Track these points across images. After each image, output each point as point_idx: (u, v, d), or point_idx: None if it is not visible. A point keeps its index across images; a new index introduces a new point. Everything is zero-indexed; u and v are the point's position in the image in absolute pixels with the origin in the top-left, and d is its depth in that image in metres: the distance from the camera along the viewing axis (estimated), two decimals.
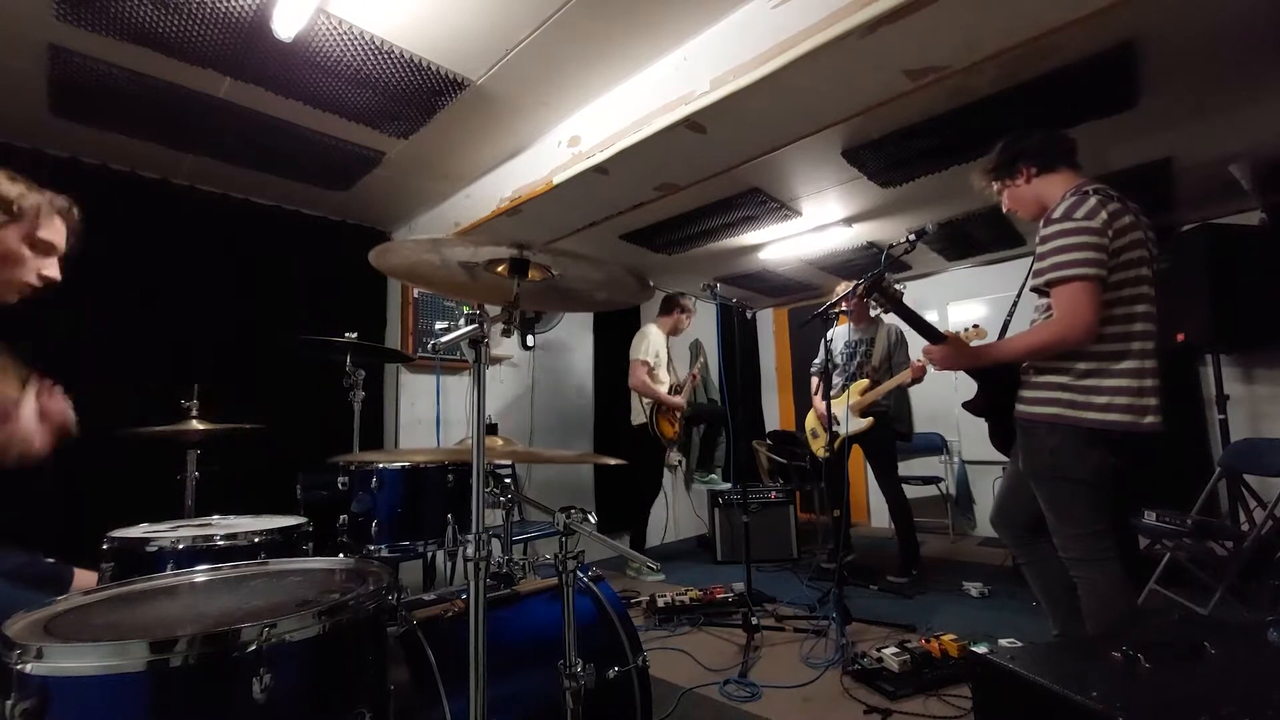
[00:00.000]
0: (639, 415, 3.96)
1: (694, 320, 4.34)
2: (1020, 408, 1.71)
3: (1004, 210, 1.89)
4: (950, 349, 1.84)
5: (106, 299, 2.65)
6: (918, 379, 3.30)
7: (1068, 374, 1.60)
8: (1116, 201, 1.59)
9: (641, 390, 3.91)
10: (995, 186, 1.86)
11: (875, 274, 2.08)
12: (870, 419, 3.43)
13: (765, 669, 2.31)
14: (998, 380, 1.82)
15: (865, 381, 3.47)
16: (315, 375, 2.93)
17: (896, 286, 2.06)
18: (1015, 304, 1.96)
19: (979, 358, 1.81)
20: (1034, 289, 1.66)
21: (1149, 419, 1.55)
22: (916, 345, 3.35)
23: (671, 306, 4.13)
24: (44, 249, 1.30)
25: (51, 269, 1.33)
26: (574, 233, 3.35)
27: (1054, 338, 1.58)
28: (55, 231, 1.32)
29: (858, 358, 3.54)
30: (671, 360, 4.18)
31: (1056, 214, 1.60)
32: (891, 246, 2.48)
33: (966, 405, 1.97)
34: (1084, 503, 1.59)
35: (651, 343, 3.97)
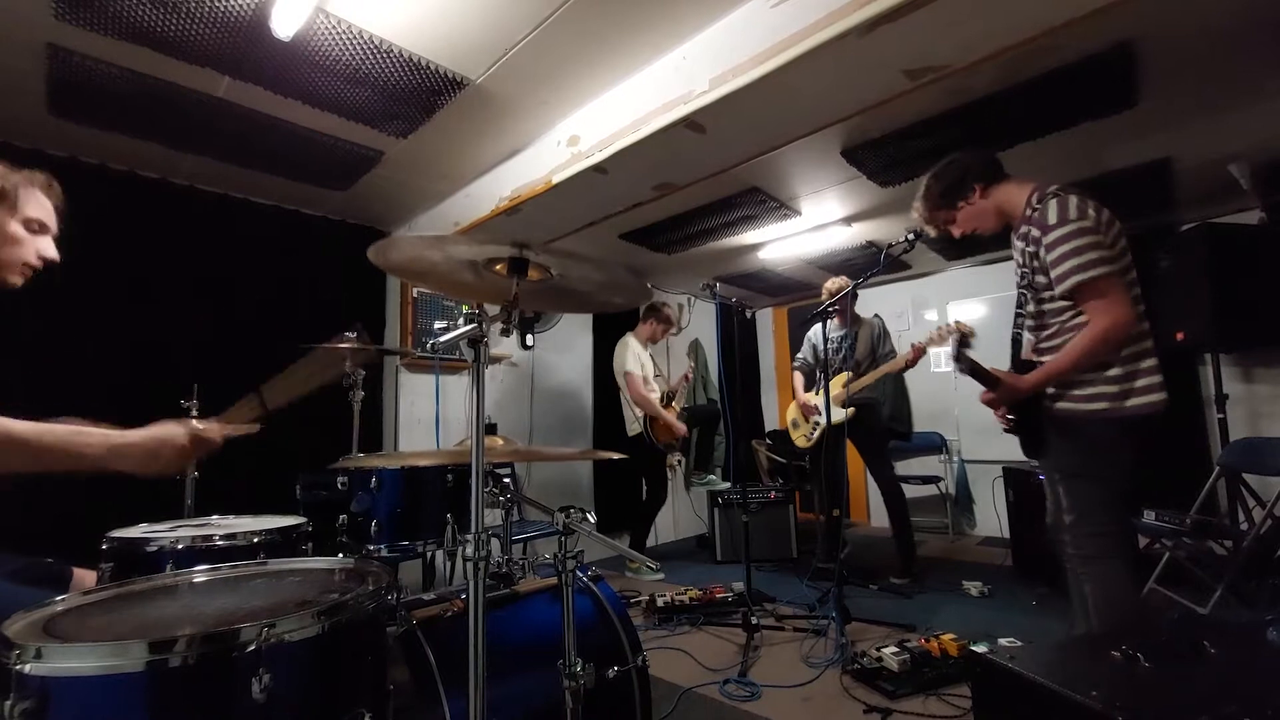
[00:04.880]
0: (633, 425, 3.94)
1: (687, 319, 4.32)
2: (1069, 406, 1.65)
3: (956, 235, 1.90)
4: (1007, 390, 1.71)
5: (106, 299, 2.64)
6: (911, 364, 3.30)
7: (1112, 366, 1.60)
8: (1093, 198, 1.64)
9: (644, 405, 3.86)
10: (945, 215, 1.87)
11: (959, 348, 1.82)
12: (851, 409, 3.44)
13: (765, 669, 2.31)
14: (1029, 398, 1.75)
15: (846, 374, 3.49)
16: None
17: (969, 353, 1.85)
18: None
19: (1036, 384, 1.68)
20: (1061, 295, 1.62)
21: (1164, 394, 1.59)
22: (903, 341, 3.40)
23: (649, 314, 4.06)
24: (36, 227, 1.30)
25: (48, 248, 1.33)
26: (573, 232, 3.35)
27: (1104, 336, 1.56)
28: (41, 208, 1.31)
29: (843, 352, 3.55)
30: (658, 366, 4.15)
31: (1052, 219, 1.59)
32: (891, 246, 2.48)
33: (1012, 429, 1.82)
34: (1108, 498, 1.60)
35: (634, 352, 3.92)
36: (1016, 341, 1.91)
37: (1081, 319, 1.62)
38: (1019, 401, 1.73)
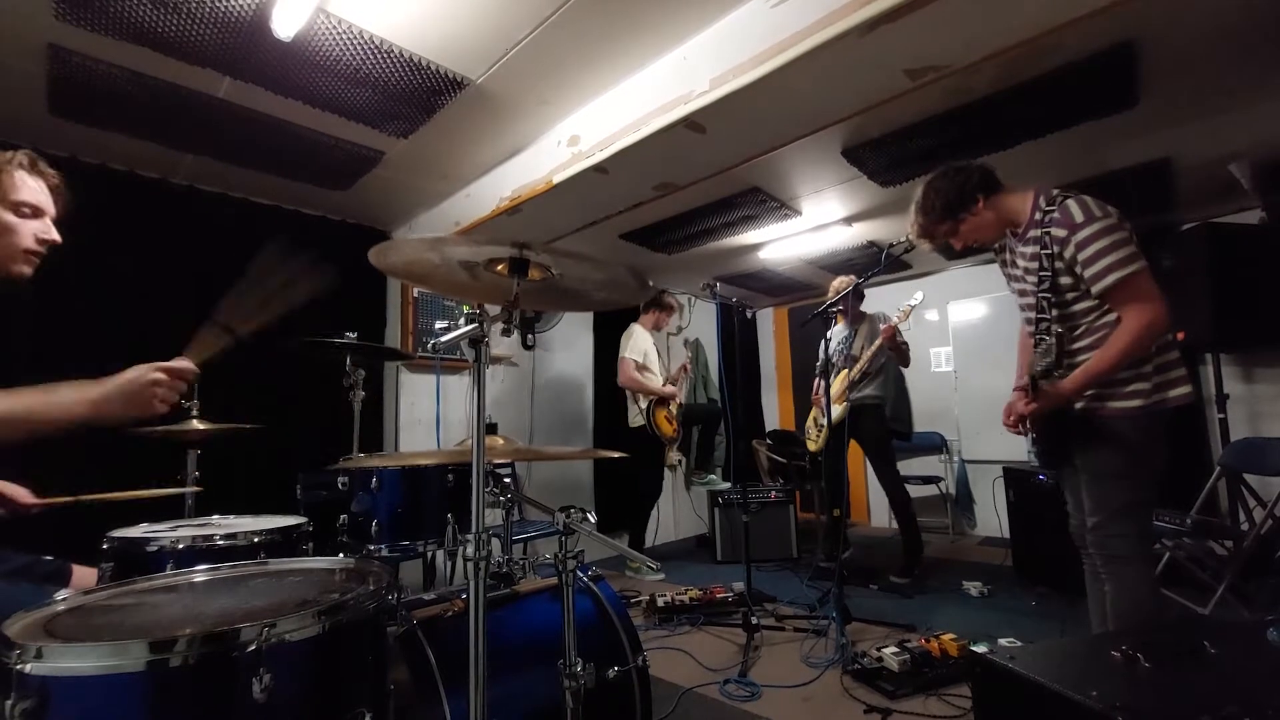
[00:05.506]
0: (636, 417, 3.95)
1: (687, 318, 4.33)
2: (1107, 405, 1.62)
3: (957, 248, 1.87)
4: (1048, 397, 1.63)
5: (106, 299, 2.64)
6: (890, 343, 3.32)
7: (1145, 362, 1.60)
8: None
9: (631, 385, 3.91)
10: (946, 228, 1.83)
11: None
12: (846, 404, 3.44)
13: (765, 669, 2.31)
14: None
15: (846, 372, 3.49)
16: (315, 375, 2.93)
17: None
18: None
19: (1079, 387, 1.62)
20: (1098, 293, 1.59)
21: (1191, 386, 1.63)
22: (907, 339, 3.41)
23: (651, 304, 4.11)
24: (28, 212, 1.25)
25: (47, 231, 1.29)
26: (574, 232, 3.35)
27: (1145, 332, 1.54)
28: (30, 190, 1.26)
29: (845, 350, 3.56)
30: (662, 358, 4.17)
31: (1079, 217, 1.58)
32: (891, 246, 2.48)
33: (1036, 439, 1.77)
34: (1136, 498, 1.60)
35: (638, 341, 3.96)
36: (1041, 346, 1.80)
37: (1109, 317, 1.60)
38: (1054, 408, 1.67)
